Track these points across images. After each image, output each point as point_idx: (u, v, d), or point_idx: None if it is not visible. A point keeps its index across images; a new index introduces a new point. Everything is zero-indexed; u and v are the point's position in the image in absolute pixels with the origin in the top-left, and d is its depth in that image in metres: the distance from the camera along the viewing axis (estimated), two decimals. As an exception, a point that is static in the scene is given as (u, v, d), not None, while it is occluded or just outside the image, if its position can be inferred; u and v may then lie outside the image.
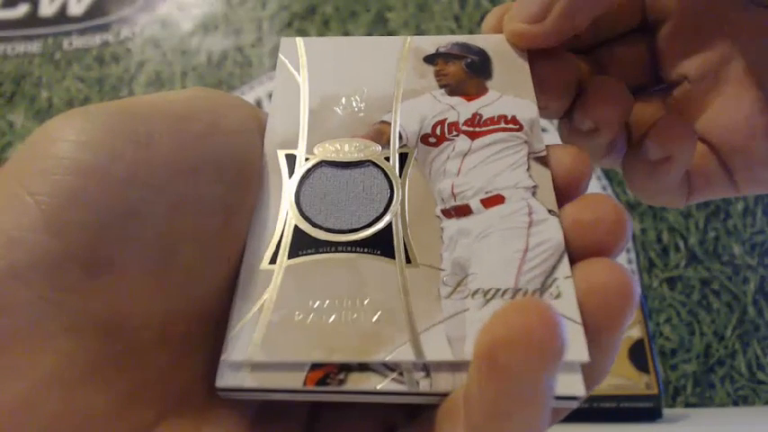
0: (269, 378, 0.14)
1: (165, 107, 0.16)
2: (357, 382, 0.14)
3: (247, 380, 0.14)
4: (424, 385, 0.14)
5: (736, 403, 0.49)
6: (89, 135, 0.15)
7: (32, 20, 0.68)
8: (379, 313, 0.15)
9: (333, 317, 0.15)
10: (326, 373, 0.14)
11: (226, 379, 0.14)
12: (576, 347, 0.14)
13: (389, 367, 0.14)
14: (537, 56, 0.20)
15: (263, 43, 0.63)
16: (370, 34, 0.59)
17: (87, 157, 0.14)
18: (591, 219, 0.16)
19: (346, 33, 0.60)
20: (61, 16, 0.68)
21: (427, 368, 0.14)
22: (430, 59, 0.19)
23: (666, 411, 0.45)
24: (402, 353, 0.14)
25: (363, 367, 0.14)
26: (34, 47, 0.68)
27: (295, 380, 0.14)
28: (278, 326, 0.15)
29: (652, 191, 0.21)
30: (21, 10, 0.69)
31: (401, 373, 0.14)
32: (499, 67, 0.19)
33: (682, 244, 0.54)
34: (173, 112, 0.16)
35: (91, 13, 0.68)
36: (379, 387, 0.14)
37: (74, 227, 0.14)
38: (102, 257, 0.14)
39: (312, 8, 0.62)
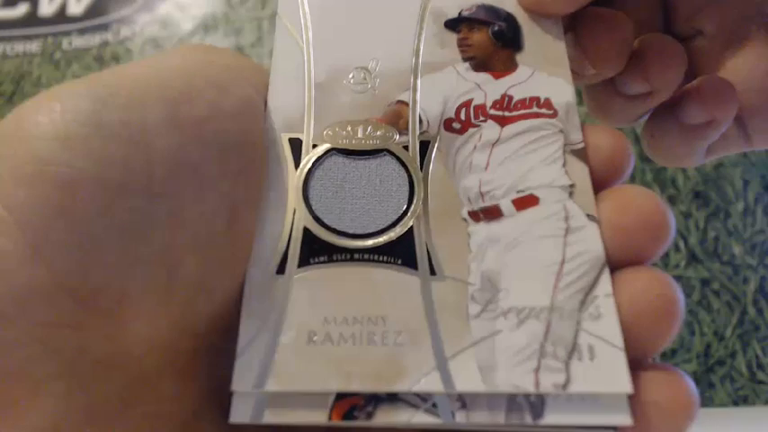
0: (290, 414, 0.12)
1: (160, 85, 0.13)
2: (387, 415, 0.12)
3: (266, 415, 0.12)
4: (460, 417, 0.12)
5: (736, 403, 0.48)
6: (74, 130, 0.12)
7: (32, 19, 0.67)
8: (401, 334, 0.13)
9: (350, 339, 0.12)
10: (353, 405, 0.12)
11: (241, 414, 0.12)
12: (619, 378, 0.12)
13: (420, 397, 0.12)
14: (586, 19, 0.17)
15: (263, 43, 0.61)
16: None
17: (75, 162, 0.11)
18: (634, 224, 0.13)
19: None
20: (61, 16, 0.67)
21: (462, 397, 0.12)
22: (452, 25, 0.17)
23: (669, 412, 0.43)
24: (429, 382, 0.12)
25: (392, 397, 0.12)
26: (34, 46, 0.66)
27: (319, 415, 0.12)
28: (289, 349, 0.12)
29: (681, 154, 0.19)
30: (20, 9, 0.67)
31: (434, 405, 0.12)
32: (530, 36, 0.16)
33: (682, 244, 0.52)
34: (169, 92, 0.13)
35: (90, 13, 0.66)
36: (412, 421, 0.12)
37: (62, 251, 0.11)
38: (97, 285, 0.11)
39: (312, 7, 0.60)
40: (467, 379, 0.12)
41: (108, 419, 0.12)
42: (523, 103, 0.16)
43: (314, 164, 0.15)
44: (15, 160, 0.12)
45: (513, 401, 0.13)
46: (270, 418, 0.12)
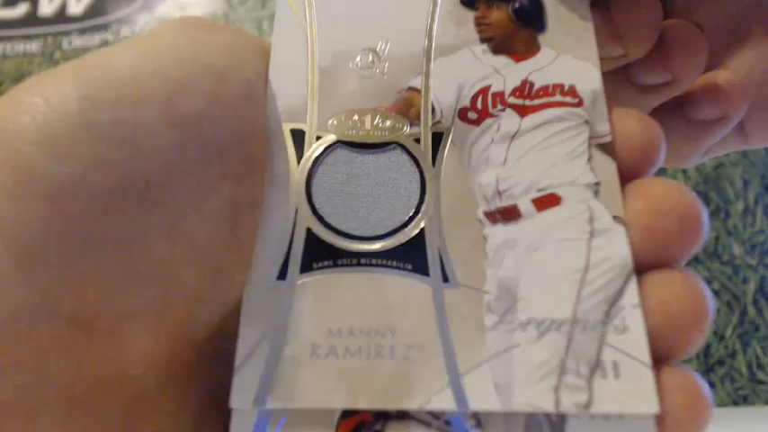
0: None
1: (154, 75, 0.11)
2: None
3: None
4: None
5: (736, 403, 0.48)
6: (60, 134, 0.10)
7: (32, 19, 0.66)
8: (411, 348, 0.11)
9: (356, 352, 0.11)
10: (360, 422, 0.11)
11: None
12: (646, 397, 0.11)
13: (433, 414, 0.11)
14: None
15: (263, 43, 0.60)
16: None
17: (62, 170, 0.10)
18: (669, 226, 0.12)
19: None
20: (61, 16, 0.66)
21: (477, 415, 0.11)
22: (469, 2, 0.15)
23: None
24: (441, 400, 0.10)
25: (402, 414, 0.11)
26: (34, 46, 0.66)
27: None
28: (291, 363, 0.11)
29: (684, 154, 0.18)
30: (20, 9, 0.67)
31: (447, 422, 0.11)
32: (555, 15, 0.15)
33: (682, 244, 0.51)
34: (164, 84, 0.11)
35: (90, 13, 0.66)
36: None
37: (52, 270, 0.10)
38: (91, 304, 0.10)
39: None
40: (481, 397, 0.11)
41: None
42: (546, 90, 0.14)
43: (318, 158, 0.13)
44: (2, 168, 0.10)
45: (531, 420, 0.11)
46: None
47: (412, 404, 0.11)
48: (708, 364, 0.47)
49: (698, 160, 0.19)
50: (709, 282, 0.49)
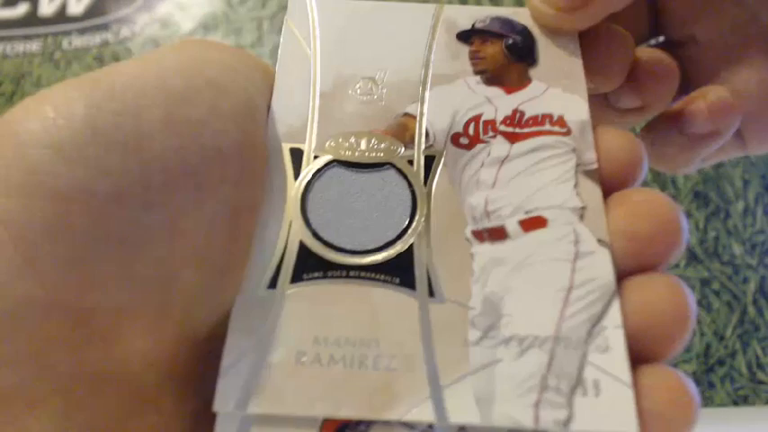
0: None
1: (157, 87, 0.12)
2: None
3: None
4: None
5: (736, 403, 0.48)
6: (67, 137, 0.11)
7: (32, 19, 0.66)
8: (395, 359, 0.12)
9: (340, 361, 0.11)
10: (344, 423, 0.11)
11: None
12: (625, 417, 0.11)
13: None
14: (588, 32, 0.16)
15: (263, 43, 0.61)
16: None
17: (69, 171, 0.11)
18: (648, 232, 0.13)
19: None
20: (61, 16, 0.66)
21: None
22: (464, 37, 0.16)
23: (670, 413, 0.43)
24: (421, 412, 0.11)
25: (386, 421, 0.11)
26: (34, 46, 0.66)
27: None
28: (276, 369, 0.11)
29: (681, 162, 0.18)
30: (20, 9, 0.67)
31: (430, 427, 0.11)
32: (546, 51, 0.15)
33: (682, 244, 0.51)
34: (166, 94, 0.12)
35: (90, 13, 0.66)
36: None
37: (56, 267, 0.10)
38: (92, 301, 0.10)
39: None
40: (462, 410, 0.11)
41: None
42: (535, 119, 0.15)
43: (314, 175, 0.14)
44: (6, 170, 0.11)
45: None
46: None
47: (392, 415, 0.11)
48: (708, 364, 0.47)
49: (698, 166, 0.19)
50: (709, 282, 0.49)
